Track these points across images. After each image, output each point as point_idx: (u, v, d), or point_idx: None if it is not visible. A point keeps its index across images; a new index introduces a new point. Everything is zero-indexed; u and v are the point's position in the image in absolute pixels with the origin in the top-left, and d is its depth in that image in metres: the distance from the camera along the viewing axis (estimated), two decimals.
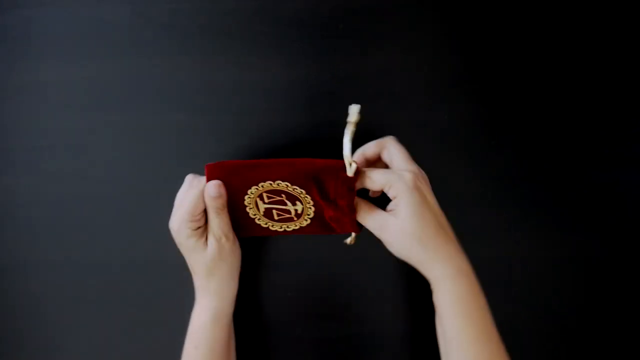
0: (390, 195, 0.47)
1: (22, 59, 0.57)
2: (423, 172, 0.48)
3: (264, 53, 0.57)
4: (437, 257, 0.46)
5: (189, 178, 0.49)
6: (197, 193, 0.47)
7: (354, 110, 0.46)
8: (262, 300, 0.58)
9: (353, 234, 0.52)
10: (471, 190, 0.57)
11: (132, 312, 0.57)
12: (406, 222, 0.45)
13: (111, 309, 0.57)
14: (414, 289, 0.58)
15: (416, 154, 0.49)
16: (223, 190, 0.47)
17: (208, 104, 0.57)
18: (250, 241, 0.57)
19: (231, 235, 0.49)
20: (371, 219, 0.47)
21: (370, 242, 0.57)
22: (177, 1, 0.56)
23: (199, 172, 0.51)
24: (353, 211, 0.48)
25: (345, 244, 0.52)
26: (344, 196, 0.46)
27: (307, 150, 0.57)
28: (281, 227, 0.50)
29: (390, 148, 0.49)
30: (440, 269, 0.45)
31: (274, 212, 0.49)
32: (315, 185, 0.46)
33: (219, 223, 0.48)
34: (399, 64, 0.57)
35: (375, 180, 0.46)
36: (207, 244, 0.48)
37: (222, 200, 0.47)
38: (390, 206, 0.48)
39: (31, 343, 0.57)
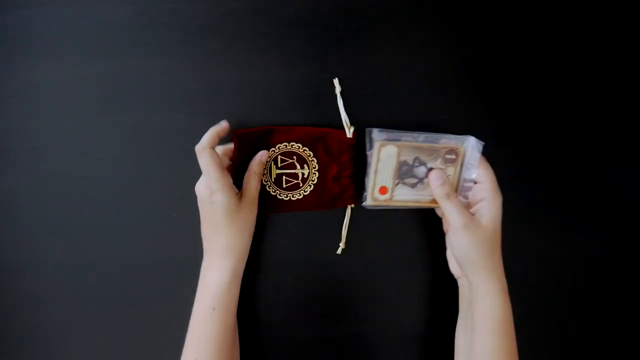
0: (478, 194, 0.51)
1: (22, 59, 0.57)
2: None
3: (264, 53, 0.57)
4: (496, 272, 0.49)
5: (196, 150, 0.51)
6: (208, 152, 0.50)
7: (337, 83, 0.56)
8: (262, 300, 0.58)
9: (349, 208, 0.56)
10: None
11: (132, 312, 0.57)
12: (490, 230, 0.49)
13: (111, 309, 0.57)
14: (414, 289, 0.58)
15: None
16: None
17: (208, 104, 0.57)
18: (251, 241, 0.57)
19: (257, 197, 0.54)
20: (461, 213, 0.50)
21: (370, 242, 0.57)
22: (177, 1, 0.56)
23: (197, 171, 0.51)
24: (353, 165, 0.56)
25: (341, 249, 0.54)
26: (345, 152, 0.55)
27: None
28: (287, 196, 0.56)
29: (482, 169, 0.53)
30: (496, 283, 0.49)
31: (284, 178, 0.56)
32: (322, 145, 0.56)
33: (256, 185, 0.53)
34: (399, 64, 0.57)
35: (483, 169, 0.52)
36: (237, 197, 0.51)
37: (264, 165, 0.54)
38: (472, 210, 0.52)
39: (31, 343, 0.57)
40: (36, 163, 0.57)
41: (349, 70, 0.57)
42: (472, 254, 0.49)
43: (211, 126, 0.52)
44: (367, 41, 0.57)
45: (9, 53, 0.57)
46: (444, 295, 0.57)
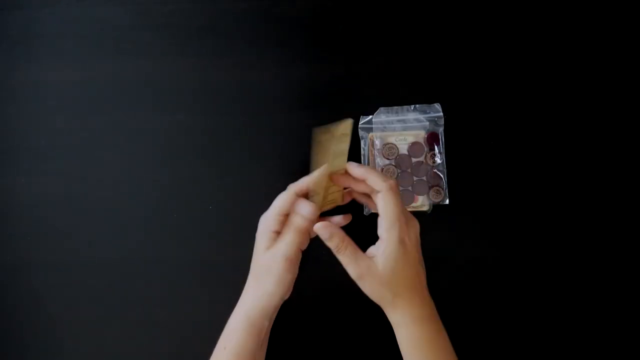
0: (379, 230, 0.48)
1: (22, 59, 0.57)
2: (414, 220, 0.50)
3: (264, 53, 0.57)
4: (402, 304, 0.48)
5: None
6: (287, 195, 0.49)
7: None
8: None
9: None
10: (471, 190, 0.57)
11: (132, 312, 0.57)
12: (385, 275, 0.47)
13: (112, 309, 0.57)
14: None
15: None
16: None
17: (208, 104, 0.57)
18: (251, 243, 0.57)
19: (298, 257, 0.51)
20: (353, 265, 0.48)
21: (370, 243, 0.57)
22: (177, 1, 0.56)
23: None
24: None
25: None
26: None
27: (306, 150, 0.57)
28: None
29: (380, 200, 0.48)
30: (401, 316, 0.48)
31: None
32: None
33: (292, 241, 0.50)
34: (398, 64, 0.57)
35: (381, 202, 0.48)
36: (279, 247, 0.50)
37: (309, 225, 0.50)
38: (372, 250, 0.49)
39: (31, 343, 0.57)
40: (36, 163, 0.57)
41: (349, 70, 0.57)
42: (375, 297, 0.49)
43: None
44: (367, 41, 0.57)
45: (9, 53, 0.57)
46: (445, 295, 0.57)
